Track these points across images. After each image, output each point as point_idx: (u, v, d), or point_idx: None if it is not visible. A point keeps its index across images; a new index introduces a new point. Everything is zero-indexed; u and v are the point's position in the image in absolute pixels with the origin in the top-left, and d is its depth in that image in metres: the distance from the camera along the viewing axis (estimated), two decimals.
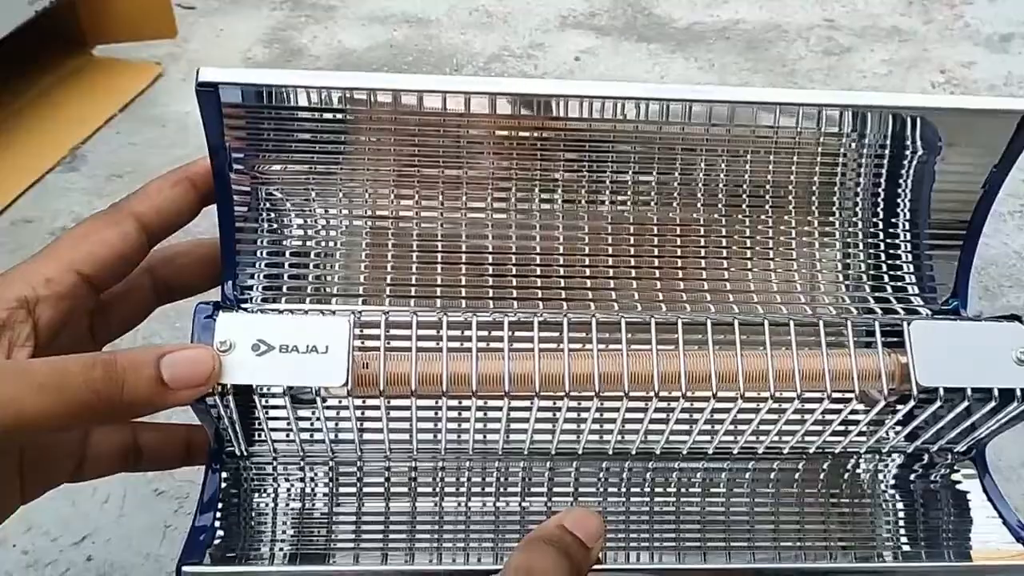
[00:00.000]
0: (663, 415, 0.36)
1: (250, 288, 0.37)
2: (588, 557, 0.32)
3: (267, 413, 0.36)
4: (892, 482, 0.40)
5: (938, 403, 0.33)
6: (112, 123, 0.85)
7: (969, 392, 0.33)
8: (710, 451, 0.39)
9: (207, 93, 0.33)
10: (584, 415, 0.37)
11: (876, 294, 0.40)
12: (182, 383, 0.30)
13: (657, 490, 0.39)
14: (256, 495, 0.38)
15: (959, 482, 0.40)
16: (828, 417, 0.36)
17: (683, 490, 0.39)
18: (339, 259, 0.38)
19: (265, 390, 0.33)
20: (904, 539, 0.39)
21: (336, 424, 0.39)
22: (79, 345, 0.35)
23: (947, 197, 0.39)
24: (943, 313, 0.40)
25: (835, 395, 0.33)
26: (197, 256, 0.38)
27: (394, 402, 0.35)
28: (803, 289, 0.39)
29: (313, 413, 0.38)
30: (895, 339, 0.34)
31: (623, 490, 0.39)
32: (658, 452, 0.39)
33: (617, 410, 0.34)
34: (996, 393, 0.33)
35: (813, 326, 0.34)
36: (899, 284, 0.40)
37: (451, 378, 0.33)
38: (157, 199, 0.35)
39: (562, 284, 0.38)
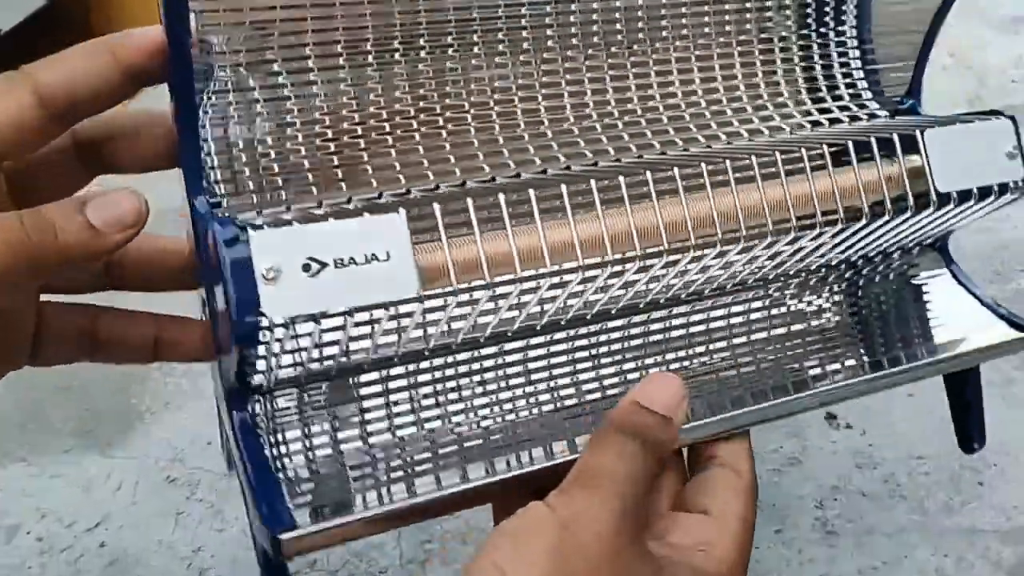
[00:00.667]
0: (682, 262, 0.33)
1: (228, 195, 0.32)
2: (669, 430, 0.30)
3: (320, 338, 0.30)
4: (870, 288, 0.42)
5: (951, 205, 0.34)
6: None
7: (975, 191, 0.34)
8: (728, 285, 0.38)
9: None
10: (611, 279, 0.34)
11: (836, 102, 0.41)
12: (113, 225, 0.29)
13: (674, 343, 0.38)
14: (301, 431, 0.34)
15: (932, 276, 0.43)
16: (843, 235, 0.35)
17: (690, 340, 0.39)
18: (315, 146, 0.33)
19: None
20: (899, 340, 0.41)
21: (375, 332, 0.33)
22: None
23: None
24: (902, 113, 0.42)
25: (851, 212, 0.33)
26: (142, 135, 0.33)
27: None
28: (769, 100, 0.39)
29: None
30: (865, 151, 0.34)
31: (645, 344, 0.38)
32: (663, 300, 0.37)
33: (652, 266, 0.32)
34: (996, 188, 0.34)
35: (838, 144, 0.34)
36: (853, 90, 0.41)
37: (521, 255, 0.29)
38: (64, 69, 0.29)
39: (526, 139, 0.35)
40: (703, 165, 0.31)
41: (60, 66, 0.29)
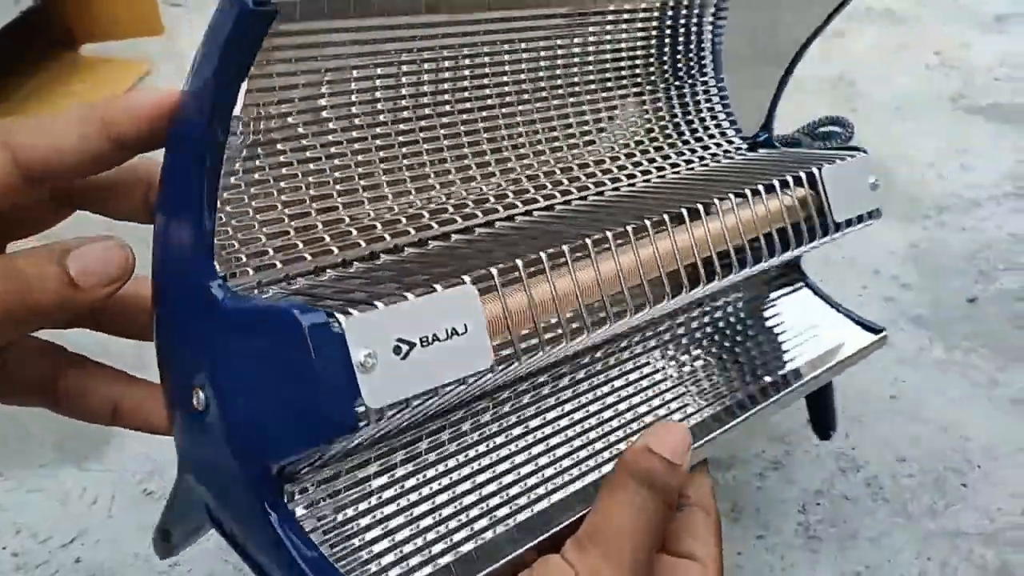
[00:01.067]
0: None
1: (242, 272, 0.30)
2: (677, 475, 0.30)
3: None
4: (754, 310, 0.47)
5: (841, 231, 0.39)
6: None
7: (854, 219, 0.40)
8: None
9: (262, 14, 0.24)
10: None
11: (709, 138, 0.46)
12: (94, 281, 0.27)
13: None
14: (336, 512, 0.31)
15: (796, 290, 0.48)
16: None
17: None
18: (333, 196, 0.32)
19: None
20: (774, 362, 0.45)
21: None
22: None
23: (774, 44, 0.47)
24: (760, 145, 0.48)
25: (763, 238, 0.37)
26: (123, 192, 0.31)
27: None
28: (651, 142, 0.43)
29: None
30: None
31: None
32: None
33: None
34: (866, 215, 0.40)
35: (757, 183, 0.38)
36: (720, 128, 0.47)
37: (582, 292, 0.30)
38: (48, 135, 0.27)
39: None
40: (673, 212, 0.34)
41: (44, 131, 0.27)
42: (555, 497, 0.34)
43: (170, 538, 0.36)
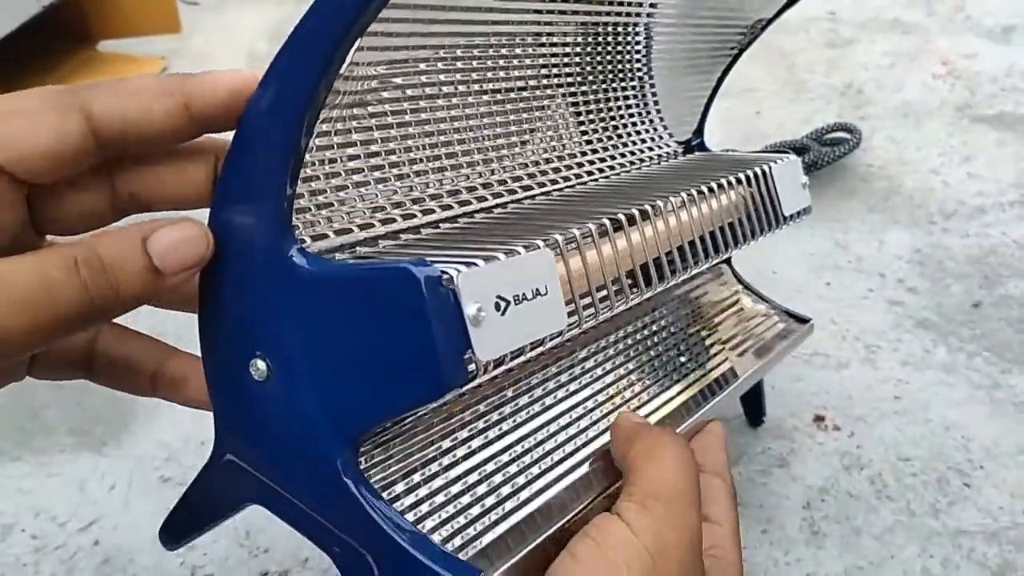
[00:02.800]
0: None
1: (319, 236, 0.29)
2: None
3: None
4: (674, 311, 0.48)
5: (783, 225, 0.42)
6: None
7: (795, 214, 0.43)
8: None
9: None
10: None
11: (646, 141, 0.48)
12: (177, 267, 0.26)
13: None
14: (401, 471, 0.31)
15: (723, 286, 0.51)
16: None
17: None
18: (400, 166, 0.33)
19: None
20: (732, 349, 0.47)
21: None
22: (17, 240, 0.28)
23: (705, 53, 0.49)
24: (693, 148, 0.51)
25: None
26: (182, 174, 0.29)
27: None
28: (596, 143, 0.45)
29: None
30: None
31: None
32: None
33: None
34: (802, 211, 0.43)
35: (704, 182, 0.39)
36: (657, 131, 0.49)
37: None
38: (127, 103, 0.27)
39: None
40: (659, 202, 0.36)
41: (124, 99, 0.27)
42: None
43: (183, 526, 0.36)
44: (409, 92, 0.33)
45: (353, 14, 0.23)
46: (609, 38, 0.43)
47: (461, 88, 0.36)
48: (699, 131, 0.52)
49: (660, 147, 0.48)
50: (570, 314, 0.29)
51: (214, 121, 0.27)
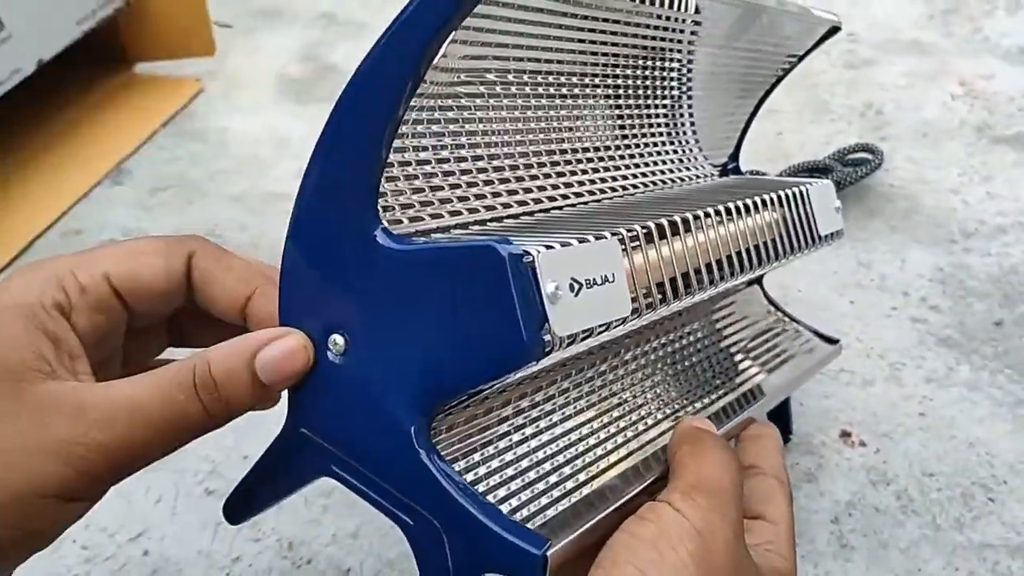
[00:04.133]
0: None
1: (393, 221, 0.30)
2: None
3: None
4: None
5: (818, 245, 0.43)
6: (155, 138, 0.88)
7: (829, 235, 0.44)
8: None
9: None
10: None
11: (684, 161, 0.49)
12: (280, 380, 0.29)
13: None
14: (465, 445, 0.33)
15: (750, 305, 0.52)
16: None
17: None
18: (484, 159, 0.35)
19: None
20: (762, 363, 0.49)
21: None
22: (111, 363, 0.34)
23: (743, 80, 0.51)
24: (731, 172, 0.52)
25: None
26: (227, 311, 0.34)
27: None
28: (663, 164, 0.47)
29: None
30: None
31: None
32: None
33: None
34: (834, 234, 0.44)
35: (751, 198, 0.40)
36: (694, 153, 0.50)
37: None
38: (219, 265, 0.33)
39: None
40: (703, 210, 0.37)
41: (221, 269, 0.32)
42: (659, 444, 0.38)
43: (248, 502, 0.38)
44: (484, 89, 0.35)
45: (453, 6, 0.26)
46: (649, 61, 0.45)
47: (529, 90, 0.38)
48: (735, 155, 0.53)
49: (697, 168, 0.50)
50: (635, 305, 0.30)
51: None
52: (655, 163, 0.47)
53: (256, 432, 0.37)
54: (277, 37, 1.06)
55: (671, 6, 0.40)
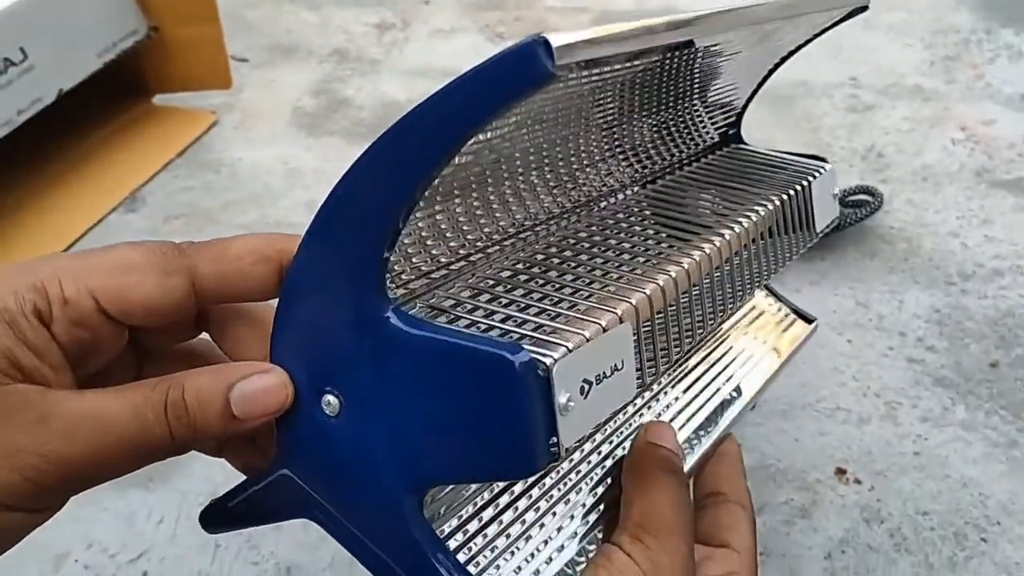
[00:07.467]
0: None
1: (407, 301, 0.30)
2: (682, 461, 0.34)
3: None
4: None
5: (818, 237, 0.42)
6: (170, 167, 0.90)
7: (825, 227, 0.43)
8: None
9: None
10: None
11: (689, 132, 0.48)
12: (254, 416, 0.28)
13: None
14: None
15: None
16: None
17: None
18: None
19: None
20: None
21: None
22: (118, 369, 0.32)
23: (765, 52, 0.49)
24: (732, 138, 0.51)
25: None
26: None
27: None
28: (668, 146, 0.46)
29: None
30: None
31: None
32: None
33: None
34: (830, 223, 0.43)
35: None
36: (703, 123, 0.49)
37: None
38: (228, 267, 0.30)
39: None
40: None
41: (225, 263, 0.30)
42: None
43: (225, 519, 0.36)
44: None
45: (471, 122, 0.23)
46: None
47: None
48: (737, 122, 0.52)
49: (702, 138, 0.49)
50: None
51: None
52: (657, 136, 0.46)
53: None
54: (292, 72, 1.09)
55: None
